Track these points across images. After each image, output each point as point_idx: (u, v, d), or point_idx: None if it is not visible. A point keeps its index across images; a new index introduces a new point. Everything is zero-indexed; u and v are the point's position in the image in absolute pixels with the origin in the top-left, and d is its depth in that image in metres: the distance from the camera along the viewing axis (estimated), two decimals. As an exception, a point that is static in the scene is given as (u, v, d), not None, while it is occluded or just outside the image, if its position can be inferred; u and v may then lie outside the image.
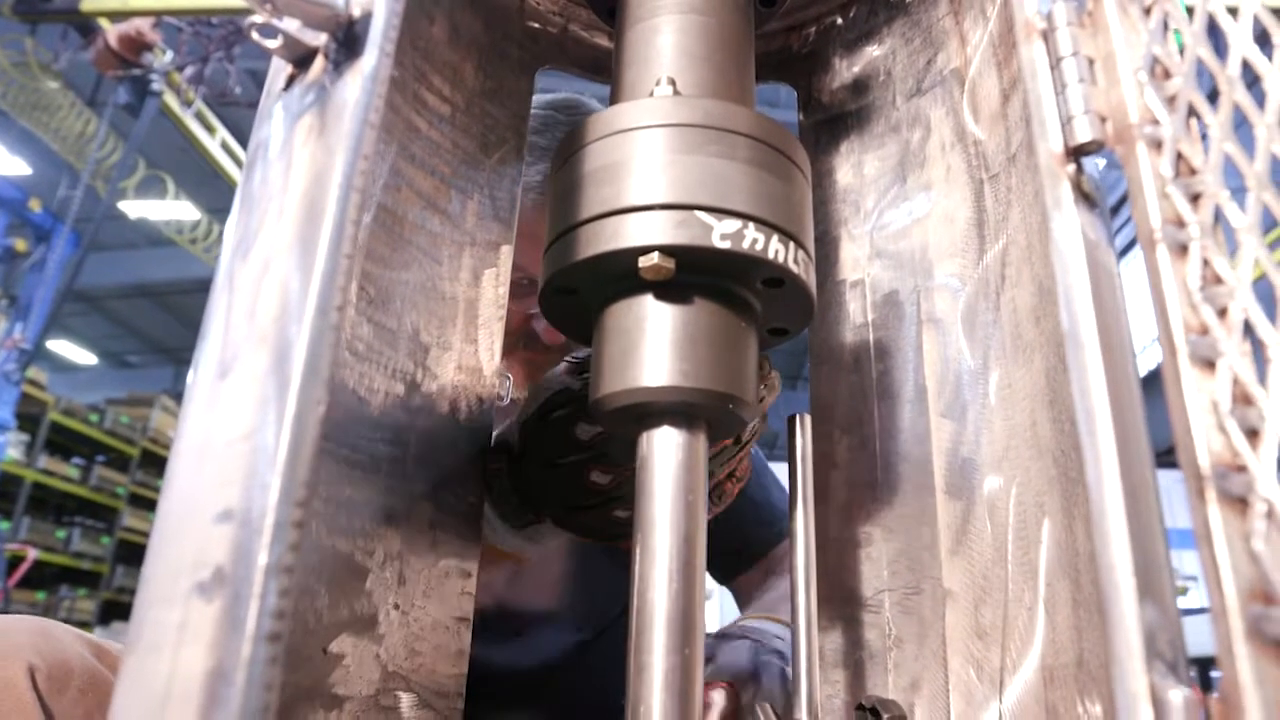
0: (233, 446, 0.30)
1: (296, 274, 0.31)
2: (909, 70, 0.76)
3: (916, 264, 0.70)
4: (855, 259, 0.75)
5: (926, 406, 0.65)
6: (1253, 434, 0.29)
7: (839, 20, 0.83)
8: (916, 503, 0.64)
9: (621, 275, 0.47)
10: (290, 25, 0.34)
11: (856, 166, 0.79)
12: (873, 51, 0.80)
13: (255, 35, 0.34)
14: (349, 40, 0.34)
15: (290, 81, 0.37)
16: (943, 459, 0.63)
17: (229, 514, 0.29)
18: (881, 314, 0.72)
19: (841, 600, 0.67)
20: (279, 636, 0.27)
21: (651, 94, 0.51)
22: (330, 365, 0.30)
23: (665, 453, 0.48)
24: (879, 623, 0.65)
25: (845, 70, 0.82)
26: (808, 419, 0.59)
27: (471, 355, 0.70)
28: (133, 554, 9.17)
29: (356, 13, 0.35)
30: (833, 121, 0.82)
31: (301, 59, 0.36)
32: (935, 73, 0.73)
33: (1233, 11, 0.38)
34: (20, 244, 7.48)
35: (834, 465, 0.70)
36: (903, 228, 0.72)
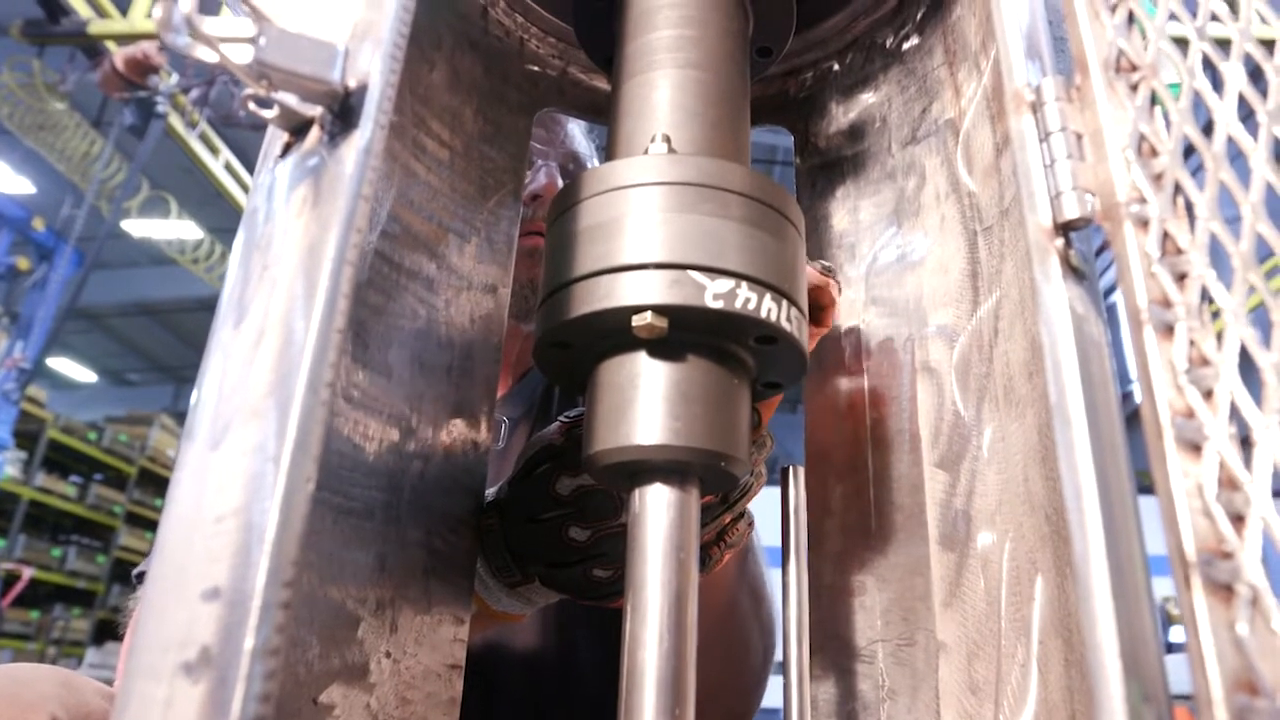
0: (223, 522, 0.30)
1: (288, 350, 0.31)
2: (904, 118, 0.77)
3: (911, 312, 0.70)
4: (850, 305, 0.75)
5: (920, 456, 0.65)
6: (1238, 519, 0.29)
7: (836, 66, 0.84)
8: (910, 552, 0.64)
9: (614, 332, 0.48)
10: (287, 98, 0.34)
11: (852, 212, 0.79)
12: (868, 98, 0.80)
13: (251, 106, 0.35)
14: (345, 112, 0.35)
15: (286, 149, 0.37)
16: (936, 509, 0.63)
17: (216, 593, 0.29)
18: (876, 361, 0.72)
19: (835, 650, 0.67)
20: None
21: (646, 151, 0.51)
22: (322, 441, 0.30)
23: (657, 510, 0.48)
24: (872, 673, 0.64)
25: (841, 116, 0.83)
26: (800, 470, 0.59)
27: (467, 400, 0.70)
28: (128, 573, 9.12)
29: (353, 84, 0.35)
30: (829, 167, 0.83)
31: (298, 128, 0.36)
32: (930, 122, 0.73)
33: (1221, 43, 0.38)
34: (23, 262, 7.52)
35: (828, 512, 0.70)
36: (897, 275, 0.73)
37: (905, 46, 0.77)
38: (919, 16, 0.75)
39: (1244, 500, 0.29)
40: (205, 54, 0.31)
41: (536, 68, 0.84)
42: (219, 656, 0.28)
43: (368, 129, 0.34)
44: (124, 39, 5.53)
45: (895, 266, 0.73)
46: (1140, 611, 0.31)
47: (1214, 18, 0.39)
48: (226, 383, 0.34)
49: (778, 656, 0.74)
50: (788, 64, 0.85)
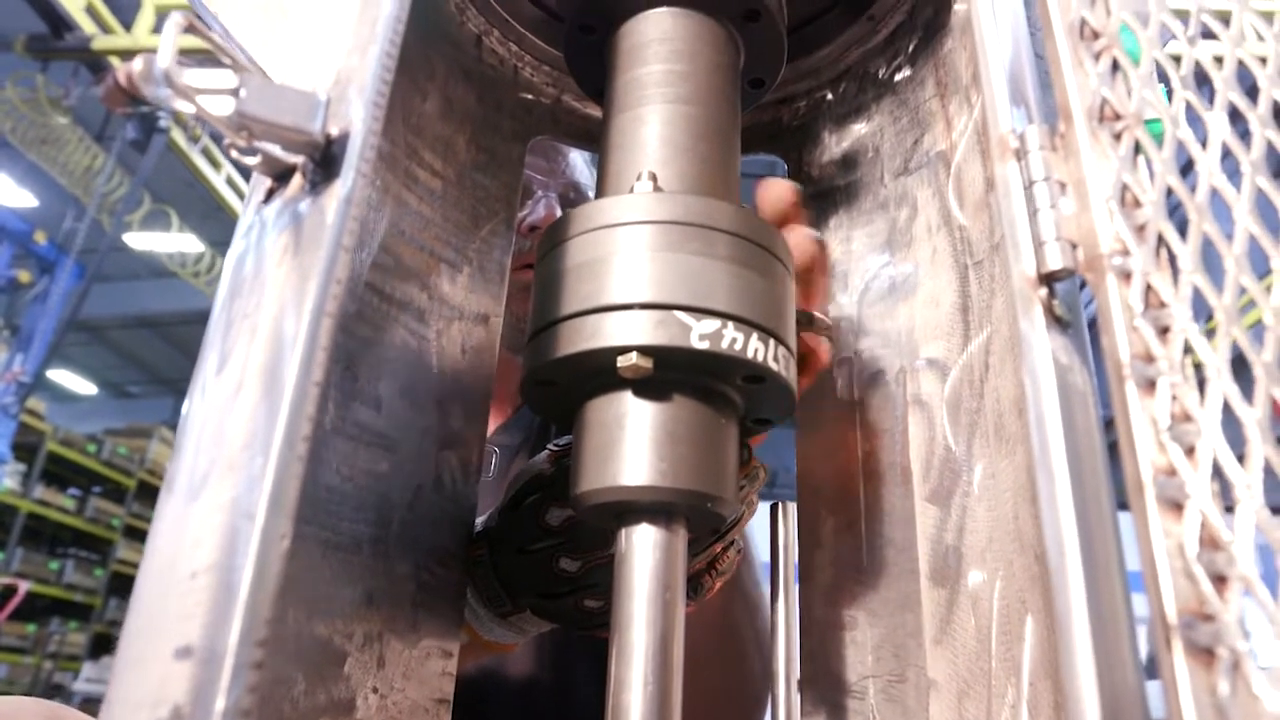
0: (197, 578, 0.30)
1: (265, 402, 0.31)
2: (897, 149, 0.77)
3: (903, 344, 0.70)
4: (843, 335, 0.75)
5: (912, 490, 0.65)
6: (1220, 580, 0.29)
7: (829, 95, 0.84)
8: (901, 587, 0.64)
9: (601, 372, 0.48)
10: (268, 147, 0.34)
11: (845, 242, 0.79)
12: (861, 128, 0.81)
13: (234, 153, 0.35)
14: (326, 161, 0.35)
15: (270, 195, 0.37)
16: (927, 545, 0.63)
17: (189, 651, 0.29)
18: (868, 393, 0.72)
19: (827, 685, 0.66)
20: (234, 782, 0.27)
21: (632, 189, 0.51)
22: (298, 498, 0.30)
23: (643, 550, 0.48)
24: (864, 710, 0.64)
25: (835, 145, 0.83)
26: (791, 507, 0.58)
27: (458, 431, 0.70)
28: (126, 587, 9.09)
29: (335, 132, 0.35)
30: (822, 196, 0.83)
31: (281, 174, 0.36)
32: (922, 153, 0.73)
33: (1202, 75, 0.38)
34: (24, 275, 7.54)
35: (819, 545, 0.69)
36: (889, 307, 0.72)
37: (897, 78, 0.77)
38: (910, 48, 0.76)
39: (1226, 560, 0.29)
40: (184, 106, 0.31)
41: (530, 96, 0.84)
42: (190, 717, 0.28)
43: (349, 178, 0.34)
44: (127, 54, 5.56)
45: (887, 298, 0.73)
46: (1123, 665, 0.31)
47: (1199, 65, 0.39)
48: (205, 434, 0.34)
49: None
50: (781, 92, 0.85)
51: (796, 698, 0.60)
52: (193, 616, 0.29)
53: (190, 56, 0.36)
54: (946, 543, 0.61)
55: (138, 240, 8.75)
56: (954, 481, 0.62)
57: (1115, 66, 0.39)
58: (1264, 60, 0.38)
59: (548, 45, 0.81)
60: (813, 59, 0.82)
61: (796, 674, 0.59)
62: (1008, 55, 0.44)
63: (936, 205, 0.70)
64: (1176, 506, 0.30)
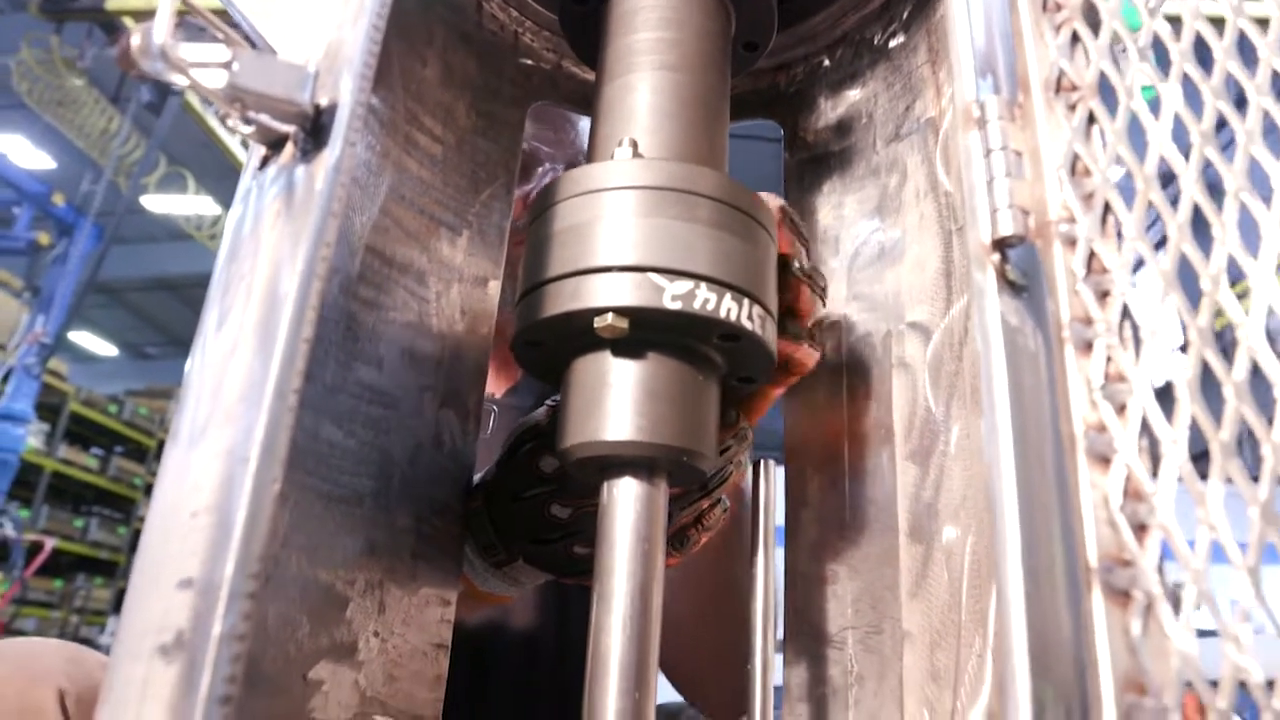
0: (197, 518, 0.33)
1: (257, 360, 0.33)
2: (889, 115, 0.78)
3: (890, 308, 0.72)
4: (832, 299, 0.77)
5: (894, 449, 0.67)
6: (1141, 529, 0.31)
7: (826, 61, 0.85)
8: (881, 543, 0.66)
9: (582, 332, 0.50)
10: (261, 117, 0.36)
11: (837, 207, 0.81)
12: (856, 94, 0.81)
13: (229, 122, 0.37)
14: (316, 131, 0.37)
15: (265, 162, 0.39)
16: (906, 502, 0.65)
17: (190, 582, 0.32)
18: (855, 354, 0.74)
19: (809, 636, 0.69)
20: (230, 699, 0.30)
21: (613, 156, 0.53)
22: (288, 446, 0.33)
23: (625, 502, 0.50)
24: (842, 659, 0.67)
25: (830, 111, 0.84)
26: (772, 465, 0.61)
27: (457, 390, 0.72)
28: (149, 544, 9.25)
29: (324, 102, 0.37)
30: (816, 161, 0.84)
31: (274, 142, 0.38)
32: (913, 120, 0.74)
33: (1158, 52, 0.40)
34: (43, 237, 7.62)
35: (804, 503, 0.72)
36: (878, 271, 0.74)
37: (892, 44, 0.78)
38: (905, 14, 0.76)
39: (1148, 510, 0.31)
40: (178, 79, 0.33)
41: (530, 61, 0.85)
42: (190, 641, 0.31)
43: (338, 147, 0.36)
44: (141, 15, 5.55)
45: (876, 262, 0.75)
46: (1057, 616, 0.33)
47: (1157, 38, 0.40)
48: (206, 387, 0.36)
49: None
50: (779, 58, 0.86)
51: (775, 652, 0.62)
52: (193, 552, 0.32)
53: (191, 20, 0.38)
54: (924, 500, 0.64)
55: (154, 203, 8.81)
56: (933, 441, 0.64)
57: (1075, 38, 0.40)
58: (1219, 21, 0.39)
59: (547, 10, 0.82)
60: (809, 24, 0.83)
61: (775, 627, 0.62)
62: (981, 25, 0.45)
63: (925, 171, 0.71)
64: (1104, 460, 0.32)
